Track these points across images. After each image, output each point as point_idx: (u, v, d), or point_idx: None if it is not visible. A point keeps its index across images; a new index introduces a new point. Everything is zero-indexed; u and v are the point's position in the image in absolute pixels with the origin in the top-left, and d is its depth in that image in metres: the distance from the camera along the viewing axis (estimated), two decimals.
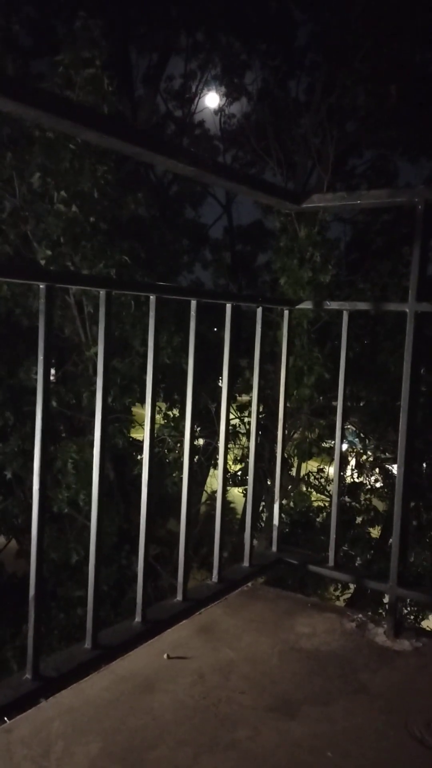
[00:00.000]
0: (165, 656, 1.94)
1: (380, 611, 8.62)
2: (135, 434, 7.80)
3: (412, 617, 9.06)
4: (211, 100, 12.66)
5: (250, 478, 2.53)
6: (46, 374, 1.58)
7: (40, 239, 6.62)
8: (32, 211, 6.72)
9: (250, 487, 2.51)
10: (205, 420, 8.36)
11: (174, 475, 7.25)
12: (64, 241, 6.55)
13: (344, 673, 1.95)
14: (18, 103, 1.30)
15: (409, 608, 8.67)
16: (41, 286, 1.54)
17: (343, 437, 2.54)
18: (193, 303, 2.05)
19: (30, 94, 1.31)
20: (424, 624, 9.36)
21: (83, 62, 6.58)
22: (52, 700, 1.69)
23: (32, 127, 6.53)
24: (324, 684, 1.89)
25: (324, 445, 8.71)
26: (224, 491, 2.36)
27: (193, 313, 2.05)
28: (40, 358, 1.52)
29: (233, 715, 1.70)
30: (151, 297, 1.89)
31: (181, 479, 2.09)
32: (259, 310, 2.40)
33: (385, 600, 2.28)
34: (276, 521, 2.60)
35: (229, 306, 2.21)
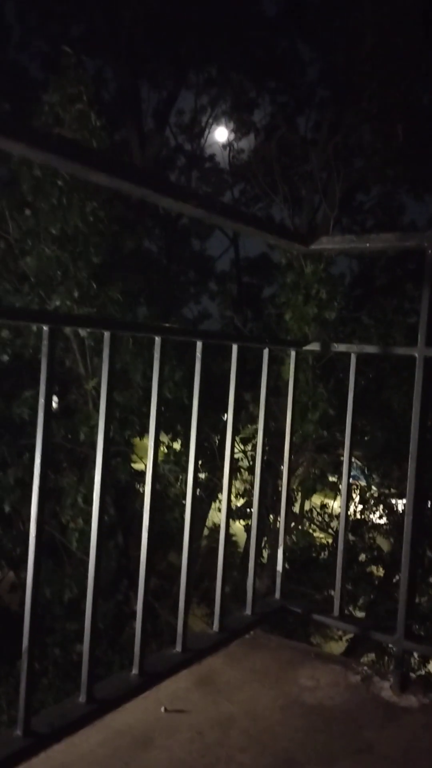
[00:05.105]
0: (162, 709, 1.87)
1: (385, 657, 8.38)
2: (135, 466, 7.70)
3: (419, 658, 8.83)
4: (220, 134, 12.84)
5: (254, 521, 2.47)
6: (47, 414, 1.54)
7: (35, 277, 6.60)
8: (23, 250, 6.73)
9: (253, 532, 2.45)
10: (207, 453, 8.26)
11: (176, 511, 7.14)
12: (59, 278, 6.53)
13: (348, 731, 1.87)
14: (28, 146, 1.29)
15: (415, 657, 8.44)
16: (45, 329, 1.51)
17: (349, 478, 2.49)
18: (199, 344, 2.02)
19: (41, 138, 1.31)
20: (431, 667, 9.11)
21: (69, 98, 6.59)
22: (44, 756, 1.62)
23: (20, 164, 6.51)
24: (327, 742, 1.81)
25: (328, 479, 8.58)
26: (227, 532, 2.30)
27: (198, 354, 2.02)
28: (42, 402, 1.49)
29: None
30: (157, 339, 1.87)
31: (181, 515, 2.05)
32: (266, 351, 2.37)
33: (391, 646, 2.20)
34: (279, 567, 2.53)
35: (235, 347, 2.18)
